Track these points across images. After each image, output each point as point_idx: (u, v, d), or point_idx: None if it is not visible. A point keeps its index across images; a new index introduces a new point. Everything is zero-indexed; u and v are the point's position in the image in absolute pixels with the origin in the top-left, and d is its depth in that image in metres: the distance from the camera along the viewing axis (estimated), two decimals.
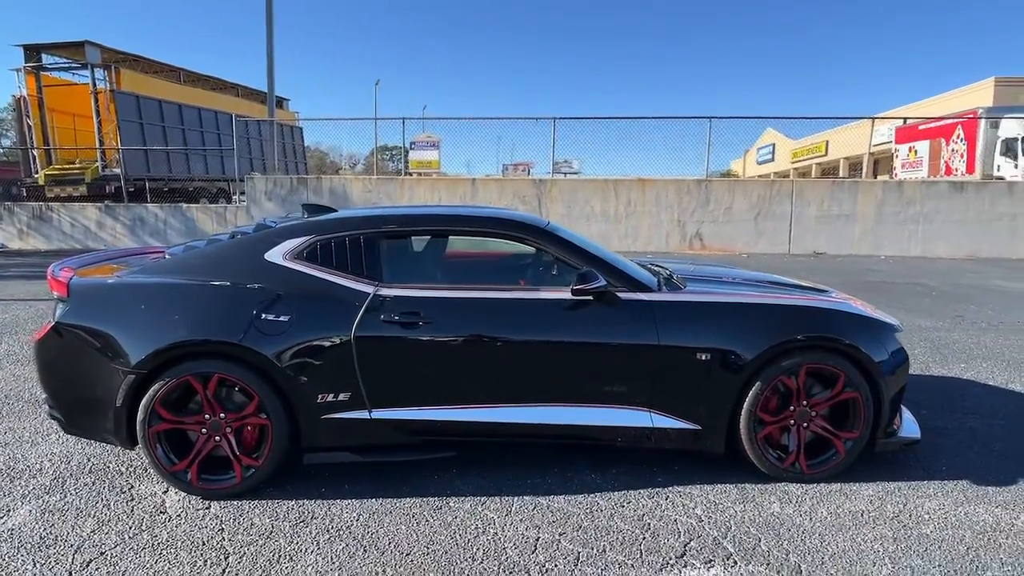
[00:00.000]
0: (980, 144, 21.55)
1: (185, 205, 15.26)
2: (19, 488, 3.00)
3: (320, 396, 2.90)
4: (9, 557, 2.45)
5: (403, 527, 2.68)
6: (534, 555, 2.48)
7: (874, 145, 30.28)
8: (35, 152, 18.57)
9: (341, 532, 2.64)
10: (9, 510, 2.80)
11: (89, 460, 3.30)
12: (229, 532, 2.63)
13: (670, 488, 3.02)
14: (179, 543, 2.54)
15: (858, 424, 3.04)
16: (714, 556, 2.47)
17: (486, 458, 3.27)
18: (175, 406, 2.88)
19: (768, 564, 2.42)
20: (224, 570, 2.37)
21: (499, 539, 2.59)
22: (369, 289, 2.97)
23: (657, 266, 3.87)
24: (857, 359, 3.01)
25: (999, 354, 5.49)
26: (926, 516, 2.78)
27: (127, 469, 3.19)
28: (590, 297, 2.98)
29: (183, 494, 2.93)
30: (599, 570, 2.38)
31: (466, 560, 2.44)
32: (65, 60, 19.30)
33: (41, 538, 2.58)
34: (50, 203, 15.65)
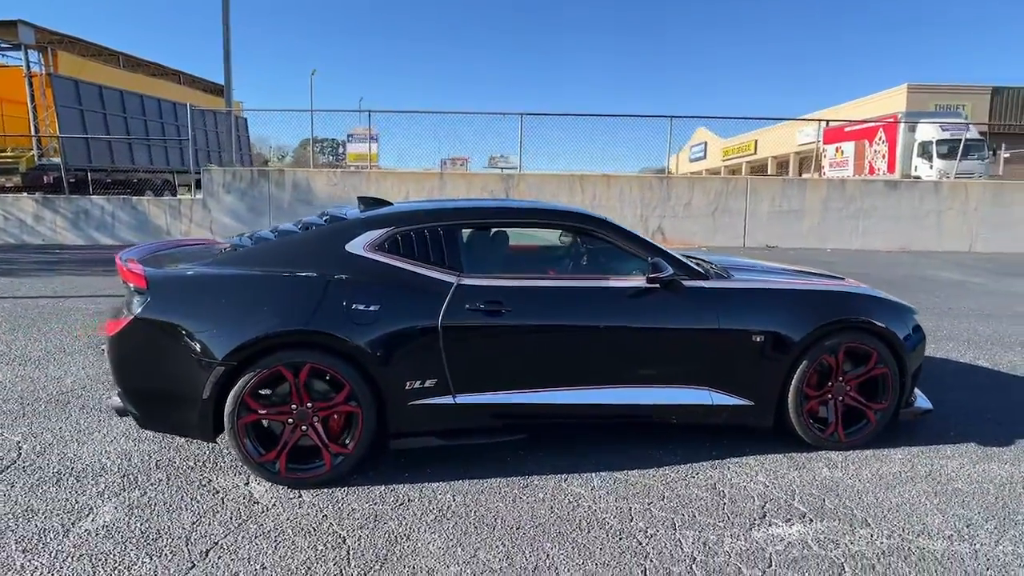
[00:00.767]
0: (900, 146, 23.38)
1: (135, 198, 14.48)
2: (90, 487, 2.93)
3: (408, 383, 2.99)
4: (118, 552, 2.43)
5: (501, 504, 2.82)
6: (633, 523, 2.68)
7: (799, 145, 32.36)
8: None
9: (445, 512, 2.75)
10: (91, 508, 2.75)
11: (151, 456, 3.25)
12: (334, 518, 2.69)
13: (727, 460, 3.29)
14: (290, 530, 2.59)
15: (887, 396, 3.40)
16: (791, 515, 2.75)
17: (549, 439, 3.44)
18: (262, 397, 2.90)
19: (839, 519, 2.72)
20: (347, 552, 2.45)
21: (596, 511, 2.77)
22: (452, 279, 3.07)
23: (689, 257, 4.14)
24: (887, 338, 3.37)
25: (959, 335, 6.12)
26: (953, 474, 3.16)
27: (196, 463, 3.17)
28: (658, 285, 3.20)
29: (267, 484, 2.96)
30: (697, 532, 2.61)
31: (575, 530, 2.62)
32: None
33: (142, 532, 2.56)
34: None
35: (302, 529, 2.60)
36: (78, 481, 2.99)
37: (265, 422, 2.94)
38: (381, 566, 2.36)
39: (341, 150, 35.73)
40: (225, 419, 2.86)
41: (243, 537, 2.53)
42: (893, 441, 3.51)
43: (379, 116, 15.06)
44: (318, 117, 17.16)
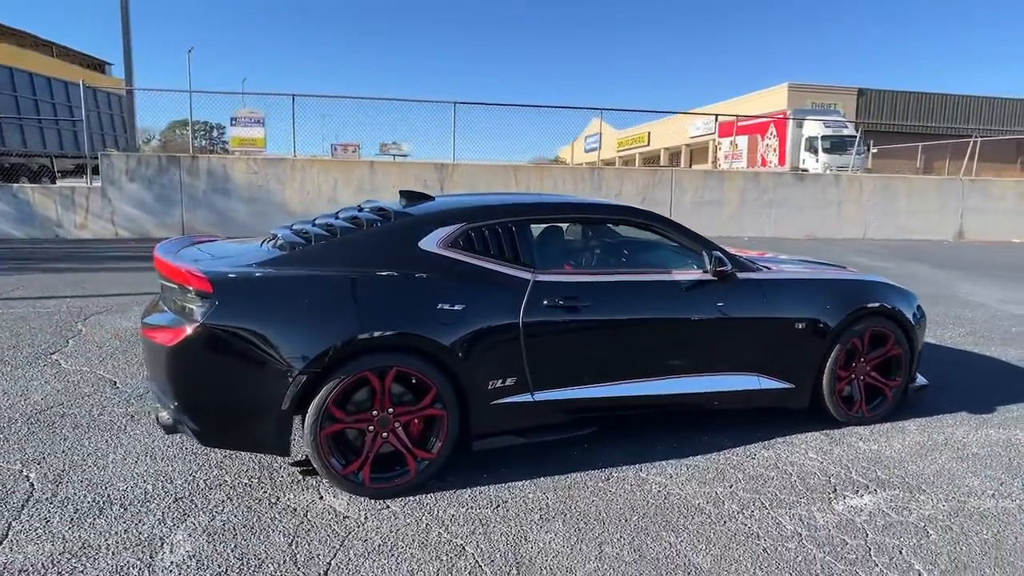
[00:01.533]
0: (789, 141, 25.48)
1: (16, 185, 12.74)
2: (145, 515, 2.62)
3: (491, 382, 2.92)
4: None
5: (595, 498, 2.84)
6: (726, 506, 2.80)
7: (691, 137, 34.35)
8: None
9: (546, 510, 2.73)
10: (161, 538, 2.46)
11: (194, 476, 2.94)
12: (439, 526, 2.59)
13: (773, 440, 3.51)
14: (401, 543, 2.47)
15: (900, 374, 3.77)
16: (857, 487, 2.99)
17: (606, 432, 3.49)
18: (345, 405, 2.73)
19: (898, 488, 3.00)
20: (475, 560, 2.37)
21: (685, 497, 2.87)
22: (528, 276, 3.03)
23: None
24: (900, 321, 3.73)
25: None
26: (964, 440, 3.57)
27: (251, 480, 2.92)
28: (718, 278, 3.33)
29: (345, 497, 2.79)
30: (787, 508, 2.78)
31: (677, 516, 2.70)
32: None
33: (239, 559, 2.34)
34: None
35: (413, 541, 2.49)
36: (125, 510, 2.66)
37: (350, 432, 2.76)
38: (518, 571, 2.32)
39: (215, 134, 32.99)
40: (306, 431, 2.66)
41: (355, 555, 2.38)
42: (899, 415, 3.89)
43: (270, 99, 14.03)
44: (196, 98, 15.45)
